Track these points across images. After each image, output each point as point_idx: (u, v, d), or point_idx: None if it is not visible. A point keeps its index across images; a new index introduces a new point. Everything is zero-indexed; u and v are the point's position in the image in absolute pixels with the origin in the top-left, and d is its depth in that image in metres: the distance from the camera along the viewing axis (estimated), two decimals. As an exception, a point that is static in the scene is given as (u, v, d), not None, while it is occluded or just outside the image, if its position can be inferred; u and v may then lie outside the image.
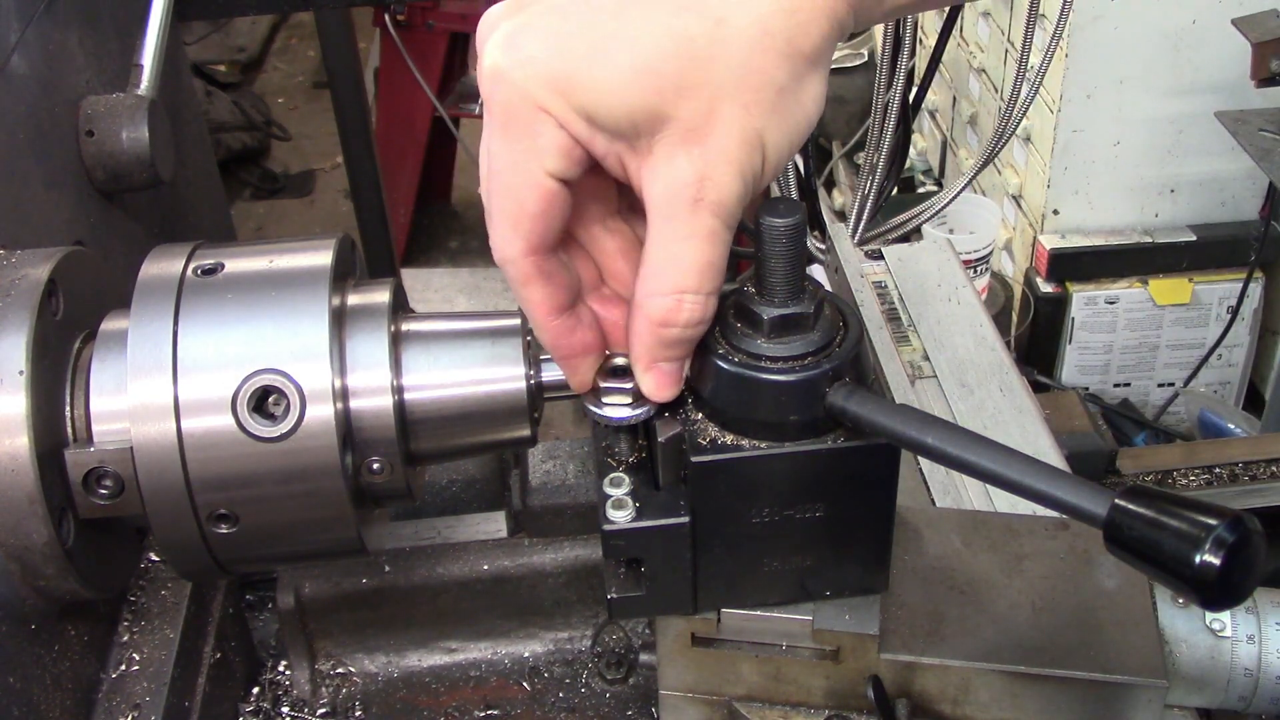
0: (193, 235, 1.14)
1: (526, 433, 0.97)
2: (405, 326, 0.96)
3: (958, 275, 1.69)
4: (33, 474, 0.86)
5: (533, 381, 0.95)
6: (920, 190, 4.06)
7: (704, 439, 0.83)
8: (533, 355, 0.95)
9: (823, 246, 1.82)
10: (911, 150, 2.45)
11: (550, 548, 1.28)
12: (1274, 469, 1.89)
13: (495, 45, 0.74)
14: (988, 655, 0.95)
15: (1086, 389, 3.42)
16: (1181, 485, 1.90)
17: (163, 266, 0.93)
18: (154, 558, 1.13)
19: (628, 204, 0.86)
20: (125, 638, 1.07)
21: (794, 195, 1.97)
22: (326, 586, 1.25)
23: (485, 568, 1.27)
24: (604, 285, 0.86)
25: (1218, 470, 1.90)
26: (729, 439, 0.83)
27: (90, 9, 1.28)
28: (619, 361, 0.85)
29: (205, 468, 0.87)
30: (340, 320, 0.92)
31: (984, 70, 3.69)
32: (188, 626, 1.09)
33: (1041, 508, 0.73)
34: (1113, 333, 3.37)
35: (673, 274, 0.76)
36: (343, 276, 0.96)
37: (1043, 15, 2.24)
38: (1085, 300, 3.30)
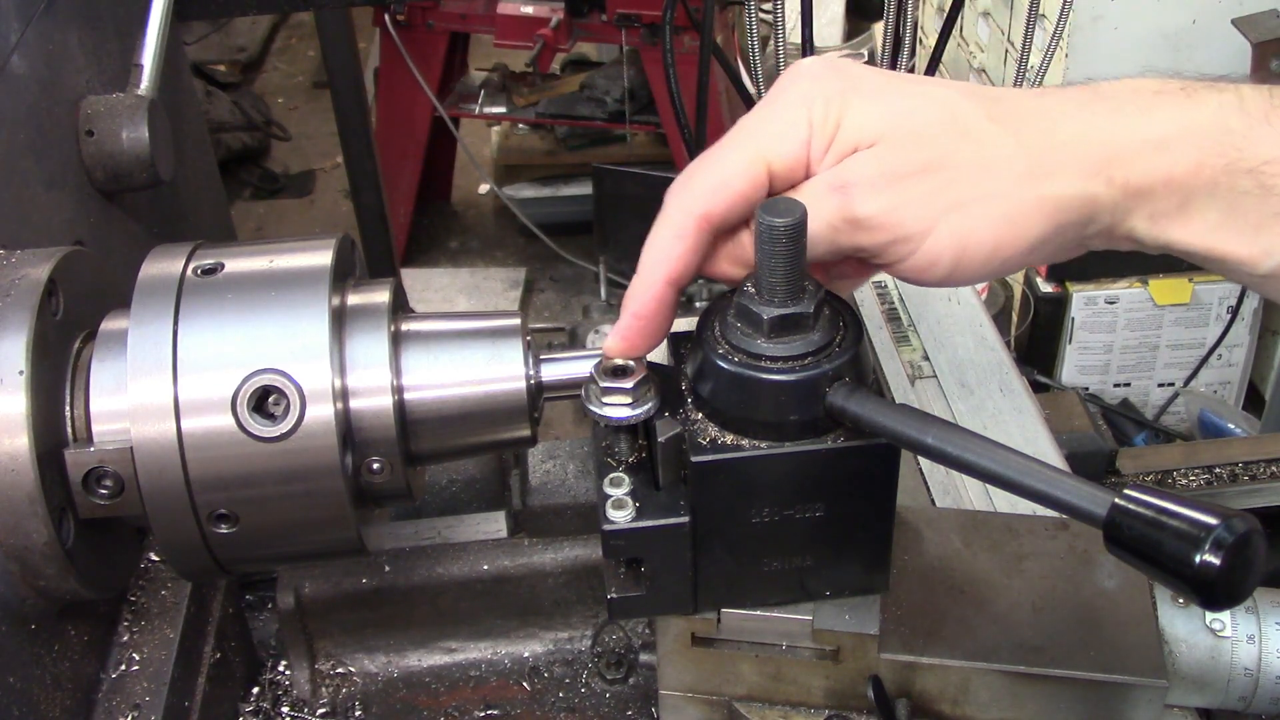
0: (193, 235, 1.14)
1: (526, 433, 0.97)
2: (405, 326, 0.96)
3: (958, 275, 1.69)
4: (33, 474, 0.86)
5: (533, 381, 0.95)
6: (920, 190, 4.05)
7: (704, 439, 0.83)
8: (533, 355, 0.95)
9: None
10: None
11: (550, 548, 1.28)
12: (1274, 469, 1.89)
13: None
14: (988, 655, 0.95)
15: (1086, 389, 3.42)
16: (1181, 485, 1.90)
17: (163, 266, 0.93)
18: (154, 558, 1.13)
19: None
20: (125, 638, 1.07)
21: (794, 195, 1.97)
22: (326, 586, 1.25)
23: (485, 568, 1.27)
24: None
25: (1218, 470, 1.90)
26: (729, 439, 0.83)
27: (90, 9, 1.28)
28: (619, 361, 0.85)
29: (205, 468, 0.87)
30: (340, 320, 0.92)
31: (984, 70, 3.69)
32: (188, 626, 1.09)
33: (1041, 508, 0.73)
34: (1113, 333, 3.37)
35: None
36: (343, 276, 0.96)
37: (1043, 15, 2.24)
38: (1085, 300, 3.30)
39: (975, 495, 1.34)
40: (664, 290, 0.83)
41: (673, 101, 2.26)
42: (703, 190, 0.82)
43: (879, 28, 4.80)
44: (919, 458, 1.26)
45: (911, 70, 1.91)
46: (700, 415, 0.84)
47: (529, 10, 4.37)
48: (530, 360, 0.95)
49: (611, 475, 0.87)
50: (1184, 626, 0.96)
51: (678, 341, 0.91)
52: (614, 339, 0.85)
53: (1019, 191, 0.78)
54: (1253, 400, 3.54)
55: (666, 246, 0.82)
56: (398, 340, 0.94)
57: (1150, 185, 0.78)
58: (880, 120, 0.80)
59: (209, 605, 1.16)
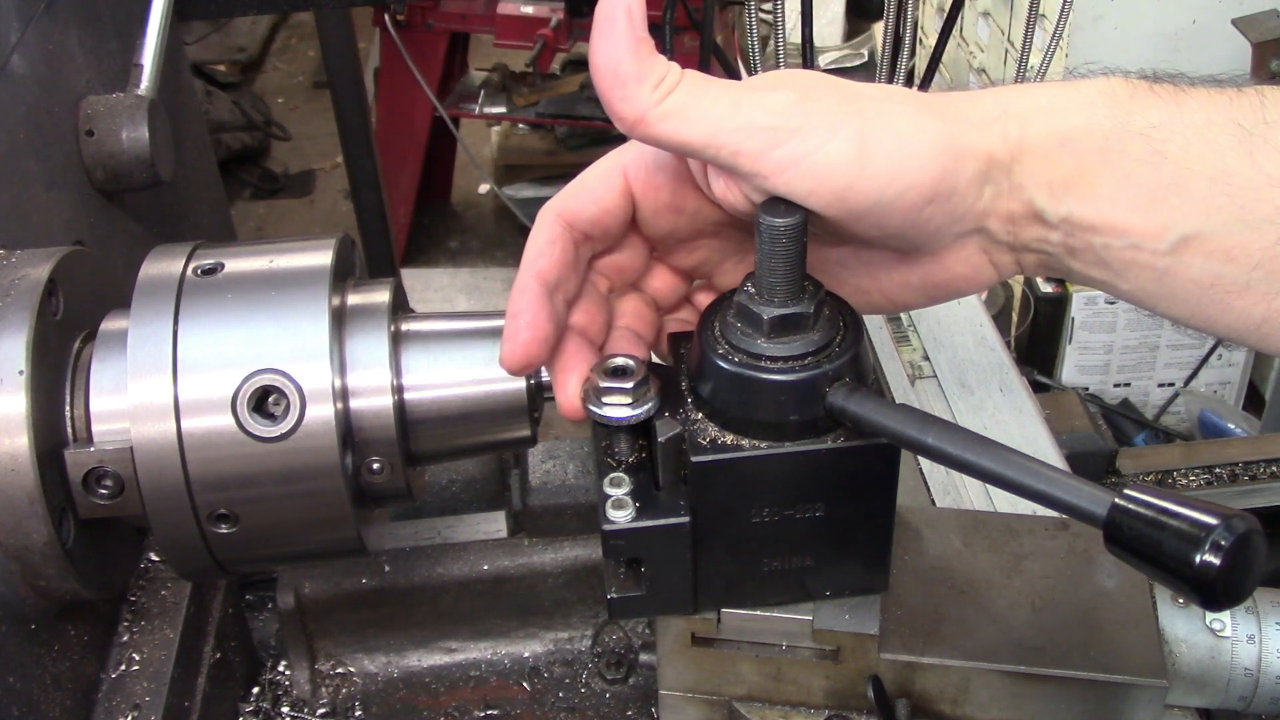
0: (193, 235, 1.14)
1: (526, 433, 0.97)
2: (405, 326, 0.96)
3: (958, 275, 1.69)
4: (33, 474, 0.86)
5: (533, 381, 0.95)
6: (920, 190, 4.05)
7: (704, 439, 0.83)
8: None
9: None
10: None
11: (550, 548, 1.28)
12: (1274, 469, 1.89)
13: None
14: (988, 655, 0.95)
15: (1086, 389, 3.42)
16: (1181, 485, 1.91)
17: (163, 266, 0.93)
18: (154, 558, 1.13)
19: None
20: (125, 638, 1.07)
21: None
22: (326, 586, 1.25)
23: (485, 568, 1.27)
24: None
25: (1218, 470, 1.91)
26: (729, 439, 0.83)
27: (90, 9, 1.28)
28: (619, 361, 0.85)
29: (205, 468, 0.87)
30: (340, 320, 0.92)
31: (984, 70, 3.69)
32: (188, 626, 1.09)
33: (1041, 508, 0.73)
34: (1113, 333, 3.37)
35: None
36: (343, 276, 0.96)
37: (1043, 15, 2.24)
38: (1085, 300, 3.30)
39: (975, 495, 1.34)
40: (535, 286, 0.83)
41: (673, 101, 2.25)
42: (565, 194, 0.85)
43: (879, 28, 4.80)
44: (919, 458, 1.26)
45: (911, 70, 1.91)
46: (700, 415, 0.84)
47: (529, 10, 4.37)
48: (530, 360, 0.95)
49: (611, 475, 0.87)
50: (1184, 626, 0.96)
51: (678, 341, 0.91)
52: (502, 345, 0.83)
53: (916, 121, 0.76)
54: (1253, 400, 3.54)
55: (535, 245, 0.84)
56: (398, 340, 0.94)
57: (1043, 144, 0.76)
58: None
59: (209, 605, 1.16)
